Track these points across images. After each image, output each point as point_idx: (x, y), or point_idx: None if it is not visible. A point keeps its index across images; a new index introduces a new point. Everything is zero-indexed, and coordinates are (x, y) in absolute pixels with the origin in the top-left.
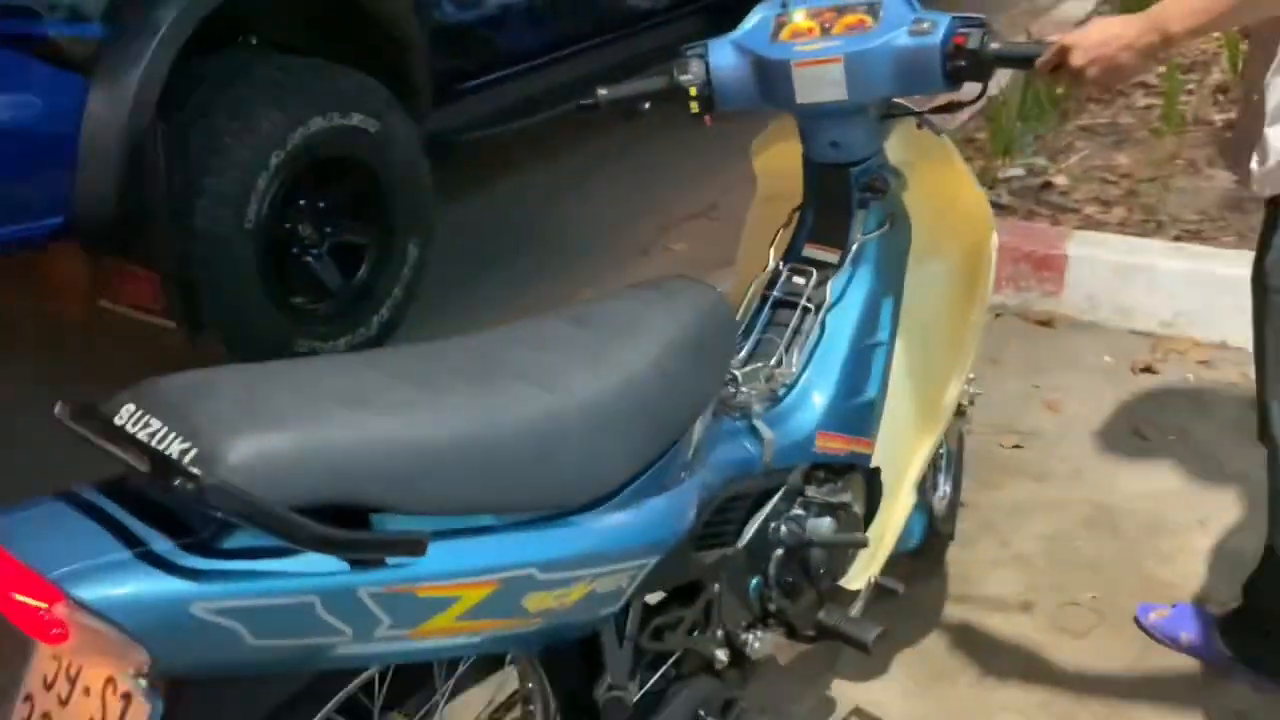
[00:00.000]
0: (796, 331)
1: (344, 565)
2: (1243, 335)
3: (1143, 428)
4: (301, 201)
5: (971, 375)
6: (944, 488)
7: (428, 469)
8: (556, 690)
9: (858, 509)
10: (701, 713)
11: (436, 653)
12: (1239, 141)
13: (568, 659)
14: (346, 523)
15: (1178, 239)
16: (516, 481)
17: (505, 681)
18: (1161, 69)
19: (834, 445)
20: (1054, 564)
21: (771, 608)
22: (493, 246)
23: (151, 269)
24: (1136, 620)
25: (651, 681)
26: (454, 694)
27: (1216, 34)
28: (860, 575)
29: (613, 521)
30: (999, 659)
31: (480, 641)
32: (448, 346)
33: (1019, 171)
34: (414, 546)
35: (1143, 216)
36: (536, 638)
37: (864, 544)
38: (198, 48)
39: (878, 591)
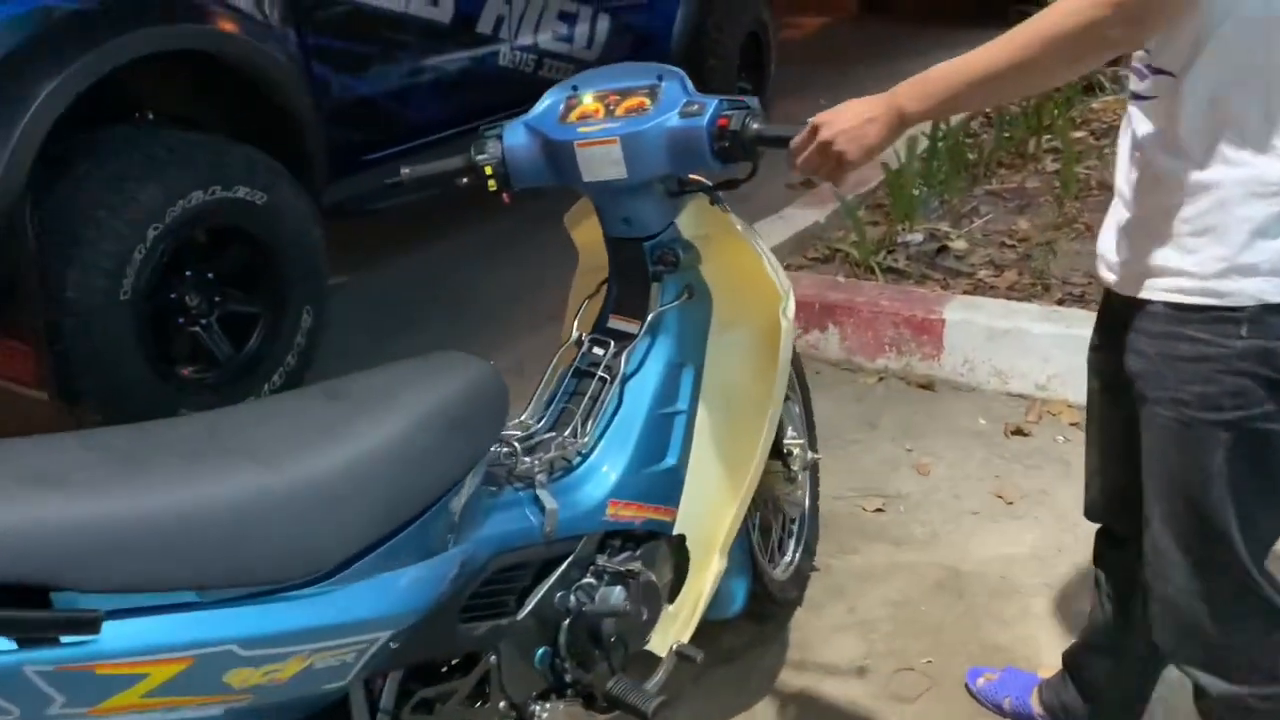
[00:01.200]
0: (595, 401)
1: (10, 644)
2: None
3: (1006, 490)
4: (188, 272)
5: (799, 440)
6: (792, 553)
7: (108, 548)
8: None
9: (656, 576)
10: None
11: None
12: None
13: None
14: (30, 601)
15: (1061, 301)
16: (211, 559)
17: None
18: (1077, 132)
19: (627, 513)
20: (896, 629)
21: (567, 677)
22: (404, 312)
23: (22, 341)
24: (966, 685)
25: None
26: None
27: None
28: (662, 643)
29: (331, 597)
30: None
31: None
32: (178, 424)
33: (918, 237)
34: (86, 625)
35: (1031, 280)
36: (252, 714)
37: (626, 614)
38: (87, 121)
39: (679, 660)
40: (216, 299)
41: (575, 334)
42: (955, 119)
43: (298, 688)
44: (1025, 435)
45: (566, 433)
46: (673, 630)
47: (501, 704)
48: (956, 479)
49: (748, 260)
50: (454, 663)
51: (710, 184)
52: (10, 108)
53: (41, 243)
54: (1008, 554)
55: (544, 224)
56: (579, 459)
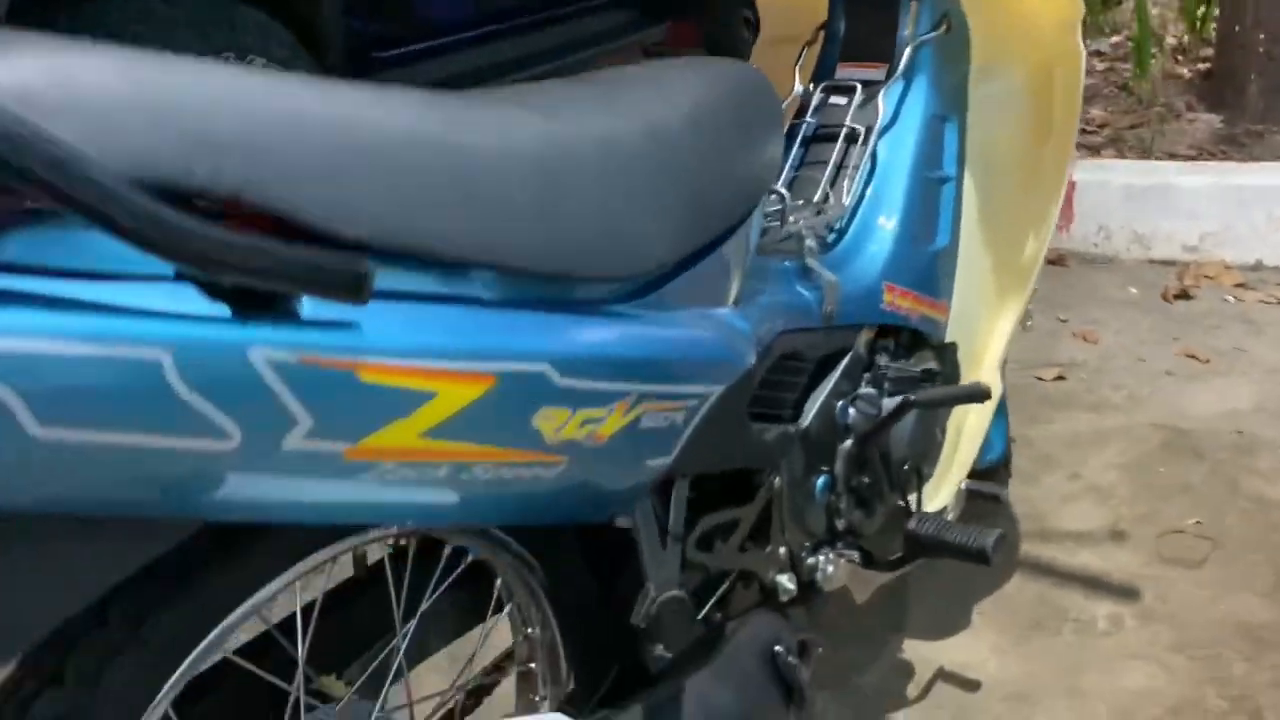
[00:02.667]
0: (841, 165)
1: (221, 308)
2: None
3: (1196, 350)
4: None
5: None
6: None
7: (368, 164)
8: (568, 636)
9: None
10: (779, 649)
11: (380, 512)
12: (1223, 77)
13: (583, 585)
14: None
15: None
16: (508, 220)
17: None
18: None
19: (904, 303)
20: (1137, 493)
21: (840, 523)
22: None
23: None
24: None
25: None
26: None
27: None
28: (945, 488)
29: (662, 319)
30: (1104, 600)
31: (459, 501)
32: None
33: None
34: (349, 282)
35: (1135, 157)
36: (555, 501)
37: (984, 397)
38: None
39: (970, 499)
40: None
41: (797, 87)
42: None
43: (618, 454)
44: (1190, 299)
45: (817, 198)
46: (946, 471)
47: (781, 550)
48: (1131, 345)
49: None
50: (732, 491)
51: None
52: None
53: None
54: (1230, 409)
55: None
56: (836, 230)
